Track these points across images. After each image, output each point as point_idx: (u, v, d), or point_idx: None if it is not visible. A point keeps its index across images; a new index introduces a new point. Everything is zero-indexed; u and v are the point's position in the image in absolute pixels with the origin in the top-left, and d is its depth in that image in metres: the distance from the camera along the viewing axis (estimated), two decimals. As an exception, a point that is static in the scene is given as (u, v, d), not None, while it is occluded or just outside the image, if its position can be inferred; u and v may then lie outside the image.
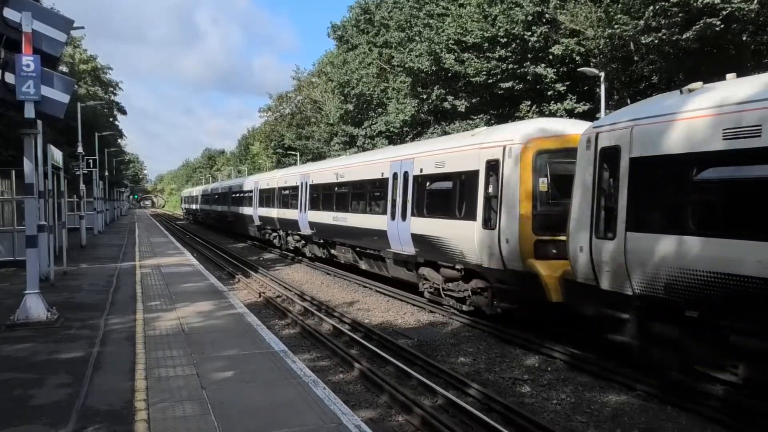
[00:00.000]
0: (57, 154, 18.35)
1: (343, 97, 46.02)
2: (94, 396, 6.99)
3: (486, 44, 29.57)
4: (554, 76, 28.53)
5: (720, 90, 7.71)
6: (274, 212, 29.57)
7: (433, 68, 32.66)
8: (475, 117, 32.10)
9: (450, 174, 13.61)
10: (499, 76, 29.81)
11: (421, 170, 14.83)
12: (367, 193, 18.42)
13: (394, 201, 16.09)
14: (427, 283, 14.73)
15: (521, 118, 26.62)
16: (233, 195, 42.39)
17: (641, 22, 21.87)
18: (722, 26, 19.95)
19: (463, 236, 12.60)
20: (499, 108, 31.70)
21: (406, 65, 34.33)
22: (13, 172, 18.81)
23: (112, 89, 65.91)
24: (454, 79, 32.31)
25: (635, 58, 24.69)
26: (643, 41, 22.29)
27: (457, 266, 13.13)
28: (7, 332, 10.31)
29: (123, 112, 70.45)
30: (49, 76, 10.61)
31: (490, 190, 11.91)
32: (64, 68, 45.37)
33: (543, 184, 11.18)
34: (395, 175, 16.19)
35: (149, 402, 6.72)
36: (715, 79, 8.36)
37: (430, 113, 36.53)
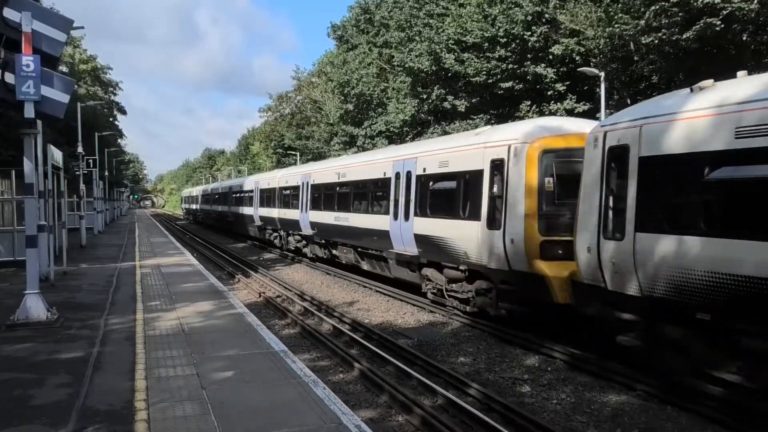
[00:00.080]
0: (57, 154, 18.35)
1: (343, 97, 46.02)
2: (94, 396, 6.99)
3: (486, 44, 29.57)
4: (554, 76, 28.54)
5: (733, 87, 7.53)
6: (275, 212, 29.51)
7: (433, 68, 32.66)
8: (475, 117, 32.11)
9: (454, 173, 13.47)
10: (499, 76, 29.81)
11: (424, 170, 14.71)
12: (370, 193, 18.31)
13: (396, 201, 15.99)
14: (430, 284, 14.59)
15: (521, 118, 26.62)
16: (234, 195, 42.37)
17: (641, 22, 21.87)
18: (722, 26, 19.94)
19: (467, 236, 12.48)
20: (499, 108, 31.70)
21: (406, 65, 34.33)
22: (13, 172, 18.81)
23: (112, 89, 65.94)
24: (454, 79, 32.30)
25: (635, 58, 24.69)
26: (644, 41, 22.28)
27: (461, 267, 13.01)
28: (7, 332, 10.31)
29: (123, 112, 70.52)
30: (49, 76, 10.61)
31: (495, 189, 11.77)
32: (64, 68, 45.37)
33: (549, 183, 11.00)
34: (398, 175, 16.08)
35: (149, 402, 6.71)
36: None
37: (430, 113, 36.52)
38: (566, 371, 9.81)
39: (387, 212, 16.52)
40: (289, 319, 14.29)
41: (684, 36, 20.73)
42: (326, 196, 22.21)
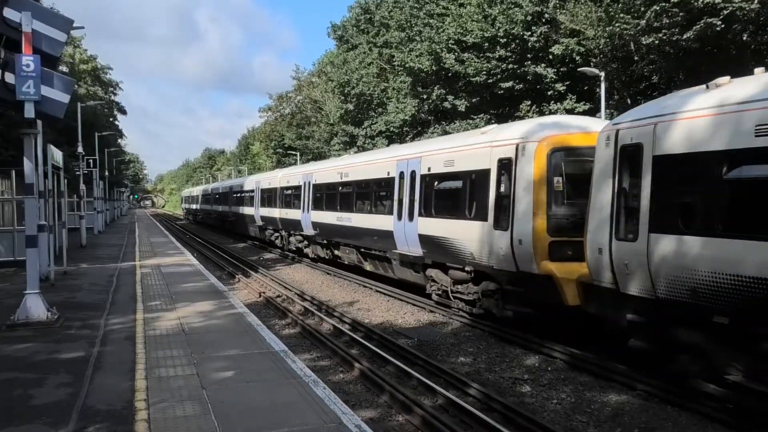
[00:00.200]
0: (57, 154, 18.35)
1: (343, 97, 46.03)
2: (94, 396, 6.99)
3: (486, 44, 29.58)
4: (554, 76, 28.56)
5: (752, 84, 7.34)
6: (276, 212, 29.42)
7: (434, 68, 32.67)
8: (475, 117, 32.12)
9: (459, 173, 13.27)
10: (499, 76, 29.83)
11: (429, 169, 14.53)
12: (373, 193, 18.17)
13: (400, 201, 15.80)
14: (435, 285, 14.41)
15: (521, 118, 26.61)
16: (234, 195, 42.34)
17: (642, 22, 21.86)
18: (723, 26, 19.93)
19: (474, 237, 12.28)
20: (500, 108, 31.72)
21: (407, 65, 34.33)
22: (13, 172, 18.82)
23: (112, 89, 66.01)
24: (455, 78, 32.31)
25: (635, 58, 24.69)
26: (644, 42, 22.27)
27: (467, 268, 12.79)
28: (7, 332, 10.30)
29: (123, 112, 70.60)
30: (49, 75, 10.61)
31: (502, 189, 11.55)
32: (64, 68, 45.39)
33: (558, 183, 10.75)
34: (401, 175, 15.90)
35: (149, 402, 6.71)
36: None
37: (430, 113, 36.54)
38: (566, 371, 9.81)
39: (390, 212, 16.36)
40: (290, 318, 14.29)
41: (684, 36, 20.72)
42: (328, 196, 22.07)
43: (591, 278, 9.27)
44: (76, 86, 21.43)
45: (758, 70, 8.01)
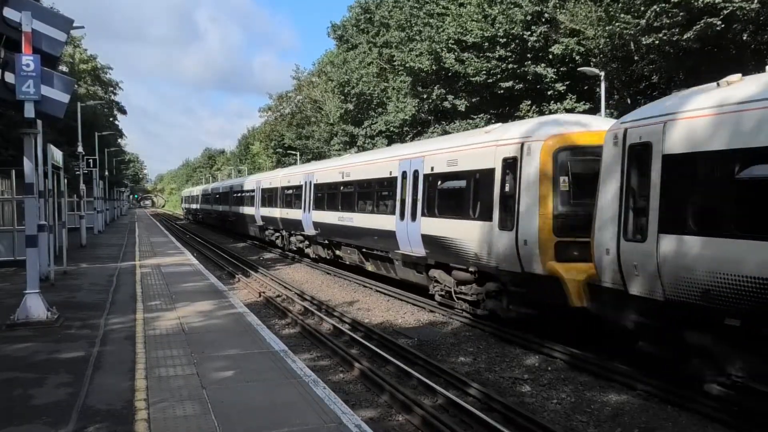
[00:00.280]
0: (57, 154, 18.35)
1: (343, 97, 46.04)
2: (94, 396, 6.99)
3: (486, 44, 29.58)
4: (554, 76, 28.56)
5: (765, 81, 7.18)
6: (277, 212, 29.34)
7: (434, 67, 32.67)
8: (475, 116, 32.12)
9: (463, 172, 13.13)
10: (499, 76, 29.83)
11: (432, 169, 14.41)
12: (375, 193, 18.05)
13: (403, 201, 15.67)
14: (438, 286, 14.27)
15: (521, 118, 26.62)
16: (235, 195, 42.31)
17: (642, 22, 21.86)
18: (723, 26, 19.93)
19: (478, 237, 12.14)
20: (499, 107, 31.72)
21: (407, 64, 34.33)
22: (13, 171, 18.82)
23: (112, 89, 66.05)
24: (454, 78, 32.31)
25: (635, 58, 24.69)
26: (644, 42, 22.26)
27: (471, 268, 12.66)
28: (7, 332, 10.30)
29: (123, 111, 70.65)
30: (49, 75, 10.61)
31: (507, 189, 11.39)
32: (64, 68, 45.39)
33: (564, 182, 10.61)
34: (404, 174, 15.78)
35: (149, 402, 6.71)
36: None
37: (430, 113, 36.55)
38: (566, 371, 9.81)
39: (393, 212, 16.25)
40: (289, 318, 14.29)
41: (685, 36, 20.71)
42: (330, 195, 21.95)
43: (598, 279, 9.12)
44: (76, 86, 21.43)
45: None
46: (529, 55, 28.97)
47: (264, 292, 17.98)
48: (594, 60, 26.37)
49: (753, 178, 6.92)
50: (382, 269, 17.95)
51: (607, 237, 8.78)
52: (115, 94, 67.08)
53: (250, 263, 26.01)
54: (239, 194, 40.36)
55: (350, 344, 11.72)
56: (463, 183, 13.16)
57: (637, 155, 8.36)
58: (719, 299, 7.08)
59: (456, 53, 30.82)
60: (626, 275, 8.45)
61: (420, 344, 11.77)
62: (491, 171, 11.90)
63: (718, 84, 7.74)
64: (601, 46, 25.37)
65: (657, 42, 21.72)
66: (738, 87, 7.40)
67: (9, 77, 10.22)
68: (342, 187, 20.85)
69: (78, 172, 32.57)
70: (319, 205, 23.02)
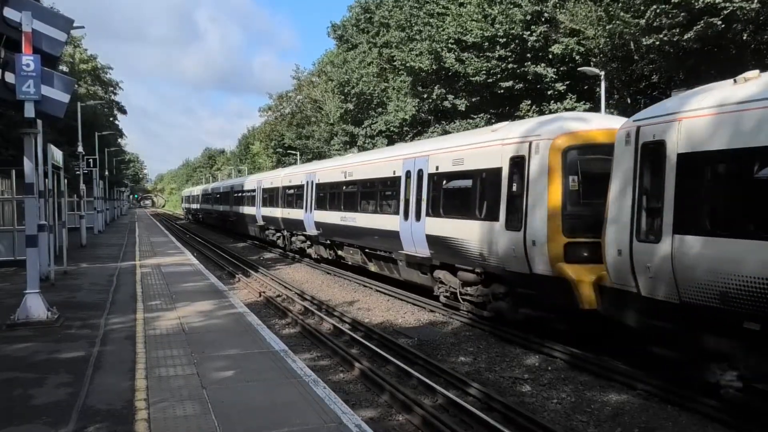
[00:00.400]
0: (57, 154, 18.36)
1: (343, 97, 46.04)
2: (94, 395, 6.99)
3: (486, 44, 29.58)
4: (554, 76, 28.55)
5: None
6: (278, 212, 29.21)
7: (434, 67, 32.67)
8: (475, 116, 32.13)
9: (469, 172, 12.92)
10: (498, 76, 29.83)
11: (437, 168, 14.21)
12: (378, 192, 17.87)
13: (407, 200, 15.48)
14: (443, 287, 14.08)
15: (521, 118, 26.63)
16: (235, 194, 42.24)
17: (642, 21, 21.86)
18: (723, 26, 19.92)
19: (484, 238, 11.94)
20: (499, 107, 31.72)
21: (407, 64, 34.33)
22: (14, 171, 18.82)
23: (112, 89, 66.11)
24: (454, 78, 32.32)
25: (635, 58, 24.69)
26: (645, 43, 22.25)
27: (477, 269, 12.45)
28: (7, 332, 10.31)
29: (123, 111, 70.69)
30: (49, 75, 10.61)
31: (515, 188, 11.18)
32: (64, 68, 45.40)
33: (573, 182, 10.36)
34: (408, 174, 15.58)
35: (150, 401, 6.71)
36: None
37: (430, 112, 36.56)
38: (566, 370, 9.81)
39: (397, 212, 16.04)
40: (290, 318, 14.29)
41: (685, 37, 20.69)
42: (332, 195, 21.78)
43: (609, 281, 8.95)
44: (76, 86, 21.43)
45: None
46: (529, 55, 28.97)
47: (264, 292, 17.98)
48: (594, 60, 26.37)
49: None
50: (386, 270, 17.78)
51: (619, 237, 8.57)
52: (115, 94, 67.21)
53: (250, 263, 26.01)
54: (240, 194, 40.29)
55: (350, 344, 11.72)
56: (469, 182, 12.96)
57: (651, 154, 8.16)
58: (738, 302, 6.84)
59: (456, 53, 30.82)
60: (639, 277, 8.24)
61: (420, 344, 11.77)
62: (498, 170, 11.70)
63: (735, 80, 7.56)
64: (601, 46, 25.36)
65: (657, 43, 21.71)
66: (757, 83, 7.20)
67: (9, 77, 10.23)
68: (344, 187, 20.64)
69: (78, 172, 32.58)
70: (321, 204, 22.84)
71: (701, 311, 7.35)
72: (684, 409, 7.91)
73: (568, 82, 28.63)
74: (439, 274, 14.19)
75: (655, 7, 21.12)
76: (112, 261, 22.09)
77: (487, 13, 29.47)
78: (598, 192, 9.69)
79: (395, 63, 37.33)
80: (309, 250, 25.55)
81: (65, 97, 10.85)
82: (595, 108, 25.96)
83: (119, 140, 73.36)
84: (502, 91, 30.23)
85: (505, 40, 28.99)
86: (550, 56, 28.26)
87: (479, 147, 12.76)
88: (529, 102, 29.39)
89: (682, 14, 20.55)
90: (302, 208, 25.02)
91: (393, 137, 40.22)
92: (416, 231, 14.89)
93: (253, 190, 35.33)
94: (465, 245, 12.72)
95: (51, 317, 11.00)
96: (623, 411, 8.05)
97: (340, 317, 14.26)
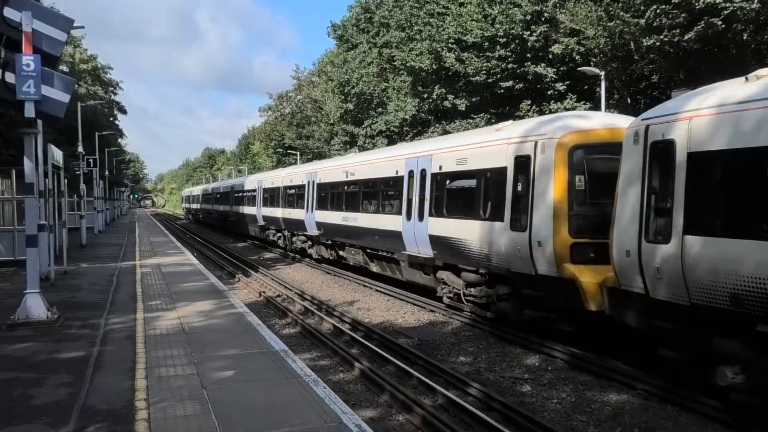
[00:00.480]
0: (57, 154, 18.36)
1: (343, 96, 46.05)
2: (94, 395, 6.99)
3: (486, 44, 29.59)
4: (554, 76, 28.56)
5: None
6: (279, 212, 29.11)
7: (434, 67, 32.68)
8: (475, 116, 32.14)
9: (473, 171, 12.76)
10: (498, 76, 29.84)
11: (440, 167, 14.06)
12: (380, 192, 17.73)
13: (410, 200, 15.32)
14: (446, 288, 13.92)
15: (521, 117, 26.63)
16: (236, 194, 42.18)
17: (642, 21, 21.86)
18: (723, 26, 19.93)
19: (489, 238, 11.79)
20: (499, 107, 31.74)
21: (407, 64, 34.34)
22: (14, 171, 18.83)
23: (112, 89, 66.17)
24: (455, 78, 32.33)
25: (635, 58, 24.69)
26: (645, 44, 22.24)
27: (481, 270, 12.33)
28: (7, 332, 10.31)
29: (123, 111, 70.74)
30: (49, 75, 10.62)
31: (520, 188, 11.02)
32: (64, 68, 45.43)
33: (579, 182, 10.19)
34: (411, 173, 15.44)
35: (150, 401, 6.71)
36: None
37: (430, 112, 36.57)
38: (567, 370, 9.80)
39: (399, 212, 15.88)
40: (290, 318, 14.29)
41: (686, 37, 20.68)
42: (333, 195, 21.65)
43: (617, 282, 8.78)
44: (76, 86, 21.43)
45: None
46: (529, 55, 28.98)
47: (264, 292, 17.98)
48: (594, 60, 26.37)
49: None
50: (388, 270, 17.66)
51: (627, 238, 8.42)
52: (115, 94, 67.28)
53: (250, 263, 26.01)
54: (240, 194, 40.24)
55: (350, 344, 11.72)
56: (473, 182, 12.80)
57: (660, 153, 8.01)
58: (751, 305, 6.70)
59: (456, 53, 30.83)
60: (648, 278, 8.09)
61: (420, 344, 11.77)
62: (503, 170, 11.54)
63: (746, 78, 7.48)
64: (601, 46, 25.36)
65: (658, 43, 21.71)
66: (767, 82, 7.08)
67: (9, 77, 10.24)
68: (346, 187, 20.52)
69: (78, 172, 32.60)
70: (322, 204, 22.71)
71: (712, 313, 7.20)
72: (684, 409, 7.91)
73: (568, 82, 28.63)
74: (442, 274, 14.04)
75: (655, 7, 21.12)
76: (112, 261, 22.09)
77: (487, 13, 29.47)
78: (604, 191, 9.60)
79: (395, 63, 37.33)
80: (310, 251, 25.44)
81: (65, 97, 10.85)
82: (595, 108, 25.96)
83: (119, 140, 73.43)
84: (502, 91, 30.24)
85: (505, 40, 28.99)
86: (550, 56, 28.26)
87: (483, 146, 12.60)
88: (529, 102, 29.39)
89: (683, 15, 20.55)
90: (303, 208, 24.90)
91: (393, 137, 40.24)
92: (419, 231, 14.77)
93: (254, 190, 35.27)
94: (469, 245, 12.57)
95: (51, 317, 11.00)
96: (623, 411, 8.05)
97: (340, 317, 14.26)
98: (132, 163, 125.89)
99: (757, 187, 6.90)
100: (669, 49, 22.11)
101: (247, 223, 37.42)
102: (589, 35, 25.64)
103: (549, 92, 28.96)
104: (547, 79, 28.61)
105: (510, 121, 13.59)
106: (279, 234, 30.55)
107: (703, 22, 20.02)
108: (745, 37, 20.92)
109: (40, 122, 11.83)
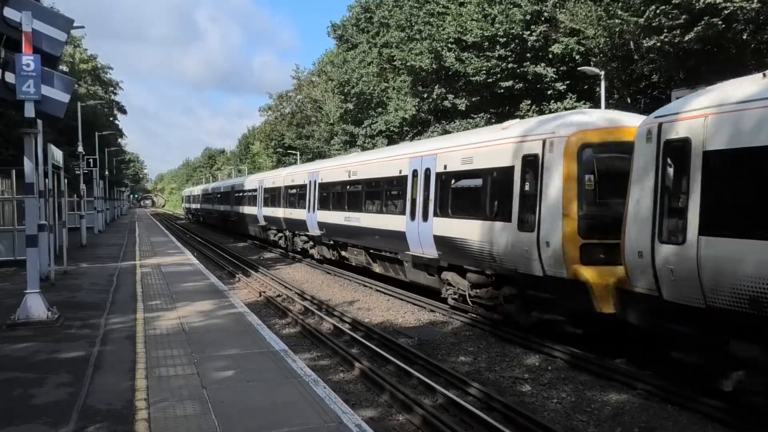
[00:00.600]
0: (57, 154, 18.36)
1: (343, 96, 46.06)
2: (94, 395, 6.99)
3: (486, 43, 29.59)
4: (554, 75, 28.55)
5: None
6: (280, 212, 28.99)
7: (434, 66, 32.68)
8: (475, 116, 32.14)
9: (479, 171, 12.58)
10: (498, 75, 29.83)
11: (445, 167, 13.89)
12: (383, 192, 17.60)
13: (414, 200, 15.17)
14: (451, 289, 13.73)
15: (521, 117, 26.61)
16: (236, 194, 42.10)
17: (641, 20, 21.86)
18: (723, 26, 19.92)
19: (495, 239, 11.62)
20: (499, 107, 31.73)
21: (407, 63, 34.33)
22: (14, 171, 18.83)
23: (112, 89, 66.19)
24: (455, 77, 32.33)
25: (635, 58, 24.69)
26: (646, 44, 22.23)
27: (487, 271, 12.14)
28: (7, 332, 10.31)
29: (123, 111, 70.74)
30: (49, 75, 10.62)
31: (528, 188, 10.83)
32: (64, 68, 45.43)
33: (589, 181, 10.02)
34: (415, 173, 15.28)
35: (150, 401, 6.72)
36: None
37: (430, 112, 36.56)
38: (567, 370, 9.80)
39: (403, 212, 15.74)
40: (290, 318, 14.29)
41: (686, 38, 20.67)
42: (336, 195, 21.54)
43: (628, 284, 8.62)
44: (76, 86, 21.44)
45: None
46: (528, 55, 28.97)
47: (264, 292, 17.98)
48: (594, 59, 26.37)
49: None
50: (391, 271, 17.51)
51: (640, 239, 8.22)
52: (115, 93, 67.28)
53: (250, 263, 26.01)
54: (241, 194, 40.15)
55: (350, 344, 11.72)
56: (479, 182, 12.64)
57: (675, 152, 7.83)
58: None
59: (456, 52, 30.82)
60: (661, 280, 7.90)
61: (420, 344, 11.76)
62: (510, 169, 11.36)
63: (764, 74, 7.30)
64: (601, 46, 25.36)
65: (658, 44, 21.70)
66: None
67: (9, 77, 10.24)
68: (349, 186, 20.36)
69: (78, 172, 32.61)
70: (324, 204, 22.56)
71: (730, 316, 7.02)
72: (684, 409, 7.91)
73: (568, 82, 28.62)
74: (447, 275, 13.87)
75: (654, 6, 21.12)
76: (112, 261, 22.10)
77: (487, 13, 29.47)
78: (615, 191, 9.49)
79: (395, 63, 37.33)
80: (312, 251, 25.32)
81: (65, 97, 10.85)
82: (596, 107, 25.96)
83: (119, 140, 73.44)
84: (502, 90, 30.22)
85: (505, 39, 28.99)
86: (550, 56, 28.25)
87: (490, 145, 12.43)
88: (529, 102, 29.38)
89: (683, 17, 20.54)
90: (305, 208, 24.75)
91: (393, 137, 40.24)
92: (423, 231, 14.61)
93: (255, 190, 35.20)
94: (474, 246, 12.40)
95: (51, 317, 11.00)
96: (623, 411, 8.05)
97: (340, 317, 14.26)
98: (132, 163, 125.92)
99: None
100: (669, 49, 22.10)
101: (248, 223, 37.36)
102: (589, 35, 25.65)
103: (549, 92, 28.95)
104: (547, 79, 28.60)
105: (516, 120, 13.42)
106: (280, 234, 30.43)
107: (703, 22, 20.02)
108: (745, 37, 20.91)
109: (40, 122, 11.83)
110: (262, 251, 32.83)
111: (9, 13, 10.19)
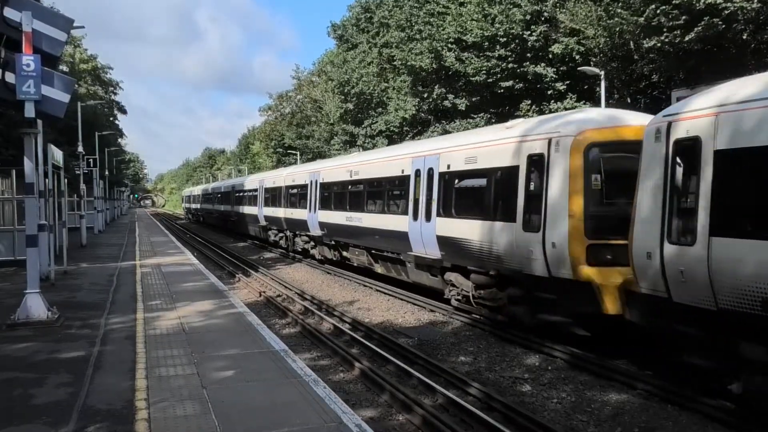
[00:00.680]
0: (57, 154, 18.37)
1: (343, 96, 46.06)
2: (94, 395, 6.99)
3: (486, 43, 29.60)
4: (554, 75, 28.56)
5: None
6: (281, 212, 28.90)
7: (434, 66, 32.69)
8: (475, 116, 32.15)
9: (483, 170, 12.45)
10: (498, 75, 29.84)
11: (449, 167, 13.77)
12: (386, 192, 17.46)
13: (416, 200, 15.03)
14: (455, 290, 13.60)
15: (521, 117, 26.60)
16: (236, 194, 42.03)
17: (641, 20, 21.87)
18: (724, 26, 19.93)
19: (500, 239, 11.49)
20: (499, 107, 31.74)
21: (407, 63, 34.34)
22: (14, 171, 18.84)
23: (112, 89, 66.23)
24: (455, 77, 32.34)
25: (635, 58, 24.70)
26: (646, 45, 22.23)
27: (491, 272, 11.98)
28: (7, 332, 10.31)
29: (123, 111, 70.79)
30: (49, 75, 10.62)
31: (533, 188, 10.72)
32: (64, 68, 45.44)
33: (596, 180, 9.88)
34: (418, 172, 15.14)
35: (150, 401, 6.72)
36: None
37: (430, 112, 36.57)
38: (567, 370, 9.80)
39: (405, 212, 15.59)
40: (290, 318, 14.29)
41: (686, 38, 20.66)
42: (337, 195, 21.44)
43: (636, 285, 8.48)
44: (76, 86, 21.45)
45: None
46: (528, 55, 28.98)
47: (264, 292, 17.98)
48: (594, 59, 26.38)
49: None
50: (393, 272, 17.40)
51: (648, 239, 8.08)
52: (115, 93, 67.34)
53: (250, 263, 26.01)
54: (241, 194, 40.08)
55: (350, 344, 11.72)
56: (483, 181, 12.51)
57: (684, 151, 7.68)
58: None
59: (456, 52, 30.83)
60: (671, 281, 7.73)
61: (420, 344, 11.76)
62: (515, 169, 11.22)
63: None
64: (600, 46, 25.37)
65: (658, 45, 21.70)
66: None
67: (9, 77, 10.25)
68: (350, 186, 20.24)
69: (78, 172, 32.63)
70: (325, 204, 22.45)
71: (742, 319, 6.88)
72: (684, 409, 7.91)
73: (568, 82, 28.63)
74: (451, 276, 13.73)
75: (654, 6, 21.12)
76: (112, 261, 22.10)
77: (487, 13, 29.47)
78: (622, 191, 9.43)
79: (395, 63, 37.34)
80: (313, 251, 25.22)
81: (65, 97, 10.86)
82: (596, 107, 25.97)
83: (119, 140, 73.48)
84: (502, 90, 30.23)
85: (505, 39, 28.99)
86: (550, 56, 28.26)
87: (494, 145, 12.30)
88: (529, 102, 29.39)
89: (683, 17, 20.54)
90: (306, 208, 24.67)
91: (393, 137, 40.25)
92: (426, 232, 14.50)
93: (255, 190, 35.15)
94: (478, 246, 12.27)
95: (51, 317, 11.00)
96: (623, 411, 8.04)
97: (340, 317, 14.26)
98: (132, 163, 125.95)
99: None
100: (669, 49, 22.10)
101: (248, 223, 37.33)
102: (589, 35, 25.65)
103: (549, 92, 28.96)
104: (547, 79, 28.61)
105: (521, 119, 13.31)
106: (281, 234, 30.34)
107: (703, 22, 20.02)
108: (745, 37, 20.91)
109: (40, 122, 11.83)
110: (263, 251, 32.83)
111: (9, 13, 10.19)
